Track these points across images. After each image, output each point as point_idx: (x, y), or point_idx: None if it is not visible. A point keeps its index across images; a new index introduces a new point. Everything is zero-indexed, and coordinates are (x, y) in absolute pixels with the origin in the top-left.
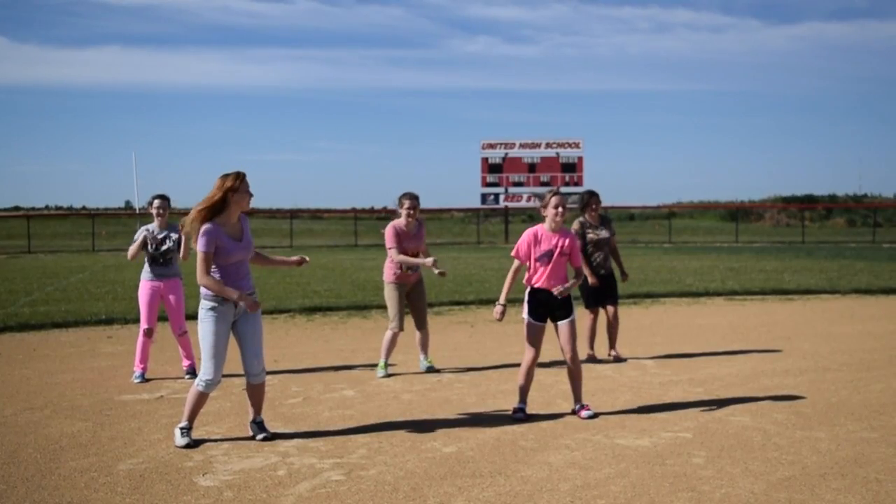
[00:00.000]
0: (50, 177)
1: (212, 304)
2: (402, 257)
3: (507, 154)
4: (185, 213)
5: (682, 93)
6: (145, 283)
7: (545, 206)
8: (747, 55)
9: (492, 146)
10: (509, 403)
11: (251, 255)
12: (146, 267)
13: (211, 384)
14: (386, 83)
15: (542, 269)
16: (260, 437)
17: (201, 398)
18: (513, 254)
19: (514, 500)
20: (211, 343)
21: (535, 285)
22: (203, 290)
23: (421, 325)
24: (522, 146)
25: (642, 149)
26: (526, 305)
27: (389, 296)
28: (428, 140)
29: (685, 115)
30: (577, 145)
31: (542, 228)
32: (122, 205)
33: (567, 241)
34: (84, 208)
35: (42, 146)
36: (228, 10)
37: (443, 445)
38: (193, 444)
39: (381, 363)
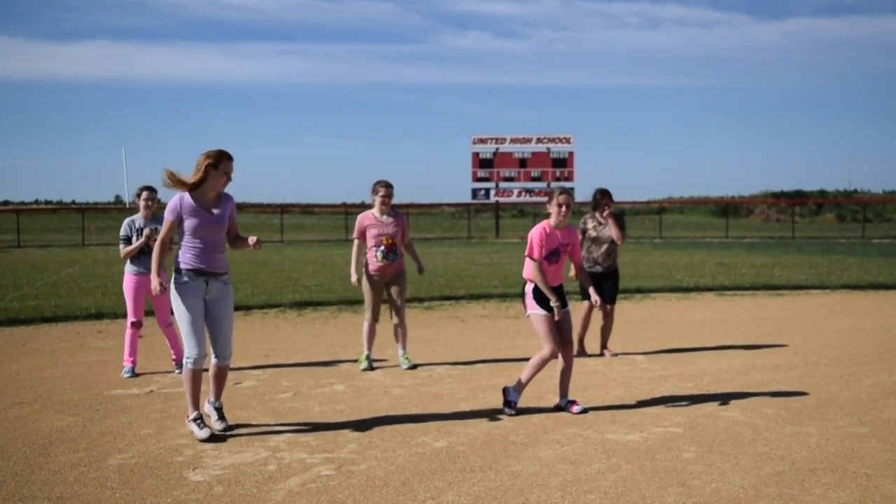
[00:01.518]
0: (40, 171)
1: (180, 278)
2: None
3: (497, 149)
4: None
5: (673, 88)
6: (130, 276)
7: (551, 203)
8: (737, 51)
9: (482, 141)
10: (500, 398)
11: (222, 232)
12: (130, 259)
13: (198, 359)
14: (376, 78)
15: (549, 267)
16: (220, 426)
17: (195, 377)
18: (529, 253)
19: (504, 494)
20: (187, 319)
21: None
22: (175, 265)
23: (396, 316)
24: (513, 141)
25: (633, 144)
26: (532, 301)
27: (364, 287)
28: (418, 135)
29: (676, 111)
30: (567, 140)
31: (548, 225)
32: (112, 199)
33: (571, 238)
34: (74, 203)
35: (32, 141)
36: (218, 5)
37: (433, 440)
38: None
39: (363, 356)
